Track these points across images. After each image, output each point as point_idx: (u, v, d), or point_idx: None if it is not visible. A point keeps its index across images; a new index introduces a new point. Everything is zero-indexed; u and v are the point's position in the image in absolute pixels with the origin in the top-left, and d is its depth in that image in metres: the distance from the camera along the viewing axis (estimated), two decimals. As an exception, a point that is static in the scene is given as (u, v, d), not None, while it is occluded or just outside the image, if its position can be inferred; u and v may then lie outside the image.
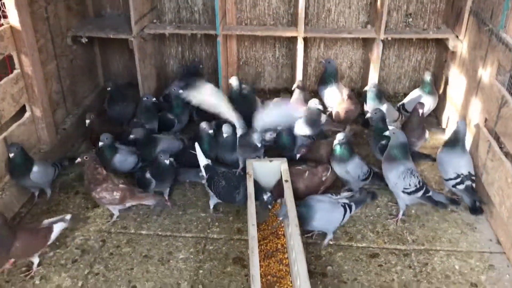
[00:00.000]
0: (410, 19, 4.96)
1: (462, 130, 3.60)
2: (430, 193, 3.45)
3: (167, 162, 3.66)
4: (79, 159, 3.52)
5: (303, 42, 4.66)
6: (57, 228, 3.25)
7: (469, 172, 3.55)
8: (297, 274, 2.76)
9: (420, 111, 3.97)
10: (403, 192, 3.44)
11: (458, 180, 3.51)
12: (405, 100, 4.73)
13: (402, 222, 3.60)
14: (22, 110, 3.97)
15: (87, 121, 4.17)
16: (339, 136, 3.64)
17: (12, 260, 3.20)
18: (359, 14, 5.01)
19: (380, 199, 3.83)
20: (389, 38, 4.67)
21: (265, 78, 5.49)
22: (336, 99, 4.62)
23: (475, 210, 3.57)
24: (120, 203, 3.52)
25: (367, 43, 5.07)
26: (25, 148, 3.72)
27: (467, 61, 4.20)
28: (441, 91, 4.80)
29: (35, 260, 3.19)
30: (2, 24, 3.62)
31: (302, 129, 4.11)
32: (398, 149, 3.47)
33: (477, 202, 3.57)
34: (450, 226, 3.58)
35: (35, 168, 3.66)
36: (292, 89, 4.62)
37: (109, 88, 4.58)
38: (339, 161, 3.68)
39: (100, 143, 3.81)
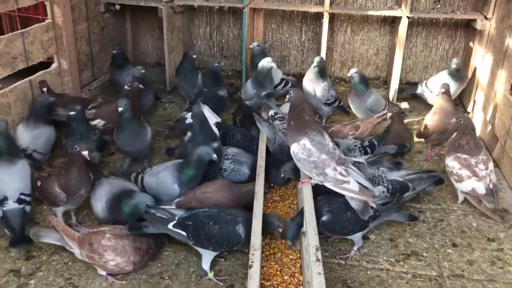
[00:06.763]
0: (438, 6, 4.93)
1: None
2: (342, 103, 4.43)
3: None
4: None
5: (328, 17, 4.68)
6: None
7: None
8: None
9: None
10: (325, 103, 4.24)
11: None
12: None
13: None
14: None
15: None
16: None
17: None
18: (386, -1, 5.04)
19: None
20: (416, 17, 4.64)
21: (290, 62, 5.51)
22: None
23: None
24: None
25: (394, 29, 5.05)
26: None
27: (494, 37, 4.14)
28: (468, 78, 4.69)
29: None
30: (39, -28, 3.82)
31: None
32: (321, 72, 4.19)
33: None
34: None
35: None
36: None
37: (114, 51, 4.52)
38: None
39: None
